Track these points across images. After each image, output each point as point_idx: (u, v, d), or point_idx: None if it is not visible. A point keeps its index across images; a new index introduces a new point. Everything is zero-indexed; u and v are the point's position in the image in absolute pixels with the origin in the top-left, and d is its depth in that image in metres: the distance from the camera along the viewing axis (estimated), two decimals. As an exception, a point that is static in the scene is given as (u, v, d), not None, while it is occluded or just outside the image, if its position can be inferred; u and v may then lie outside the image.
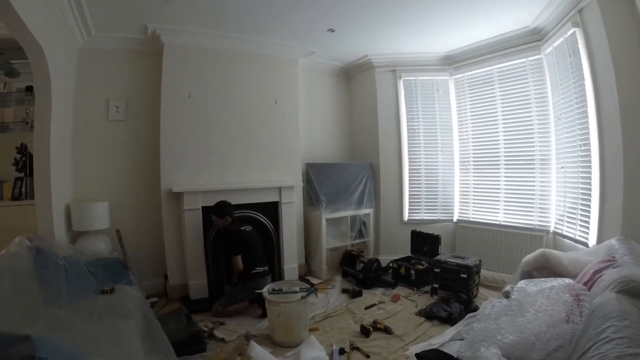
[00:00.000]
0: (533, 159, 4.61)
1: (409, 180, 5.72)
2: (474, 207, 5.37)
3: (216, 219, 4.17)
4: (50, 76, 3.17)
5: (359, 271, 4.86)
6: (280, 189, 4.93)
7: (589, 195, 3.58)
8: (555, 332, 2.29)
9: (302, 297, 3.38)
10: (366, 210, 5.65)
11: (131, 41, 4.43)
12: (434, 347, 3.02)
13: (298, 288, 3.50)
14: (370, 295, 4.46)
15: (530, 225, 4.62)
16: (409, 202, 5.74)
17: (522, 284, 2.96)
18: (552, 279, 2.86)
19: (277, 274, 4.90)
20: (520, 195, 4.78)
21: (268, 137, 4.99)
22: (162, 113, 4.33)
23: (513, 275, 3.72)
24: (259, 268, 4.11)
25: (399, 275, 4.86)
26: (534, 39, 4.44)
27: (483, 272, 4.49)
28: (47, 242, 3.02)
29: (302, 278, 5.04)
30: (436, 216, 5.65)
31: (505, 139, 4.91)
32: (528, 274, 3.43)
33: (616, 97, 3.10)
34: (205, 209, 4.37)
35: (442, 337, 3.25)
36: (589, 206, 3.59)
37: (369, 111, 5.87)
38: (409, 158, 5.71)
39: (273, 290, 3.42)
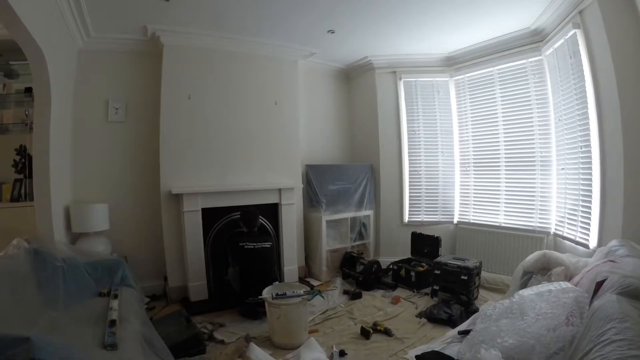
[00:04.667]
0: (534, 161, 4.59)
1: (409, 181, 5.70)
2: (474, 208, 5.35)
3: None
4: (50, 77, 3.18)
5: (359, 273, 4.85)
6: (280, 190, 4.92)
7: (590, 196, 3.57)
8: (555, 335, 2.27)
9: (308, 300, 3.40)
10: (366, 212, 5.64)
11: (131, 42, 4.43)
12: (435, 349, 3.03)
13: (302, 292, 3.47)
14: (371, 297, 4.46)
15: (531, 227, 4.60)
16: (409, 203, 5.72)
17: (521, 292, 2.95)
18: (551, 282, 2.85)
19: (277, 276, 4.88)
20: (520, 197, 4.76)
21: (268, 139, 4.98)
22: (162, 114, 4.32)
23: (513, 276, 3.72)
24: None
25: (399, 277, 4.84)
26: (534, 40, 4.43)
27: (483, 274, 4.49)
28: (45, 243, 2.98)
29: (302, 280, 5.04)
30: (436, 218, 5.64)
31: (505, 141, 4.90)
32: (528, 276, 3.42)
33: (617, 99, 3.11)
34: (205, 211, 4.37)
35: (442, 339, 3.26)
36: (589, 208, 3.58)
37: (369, 112, 5.86)
38: (409, 159, 5.70)
39: (277, 295, 3.38)
